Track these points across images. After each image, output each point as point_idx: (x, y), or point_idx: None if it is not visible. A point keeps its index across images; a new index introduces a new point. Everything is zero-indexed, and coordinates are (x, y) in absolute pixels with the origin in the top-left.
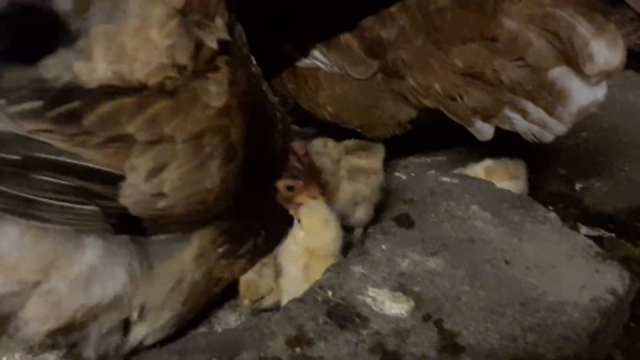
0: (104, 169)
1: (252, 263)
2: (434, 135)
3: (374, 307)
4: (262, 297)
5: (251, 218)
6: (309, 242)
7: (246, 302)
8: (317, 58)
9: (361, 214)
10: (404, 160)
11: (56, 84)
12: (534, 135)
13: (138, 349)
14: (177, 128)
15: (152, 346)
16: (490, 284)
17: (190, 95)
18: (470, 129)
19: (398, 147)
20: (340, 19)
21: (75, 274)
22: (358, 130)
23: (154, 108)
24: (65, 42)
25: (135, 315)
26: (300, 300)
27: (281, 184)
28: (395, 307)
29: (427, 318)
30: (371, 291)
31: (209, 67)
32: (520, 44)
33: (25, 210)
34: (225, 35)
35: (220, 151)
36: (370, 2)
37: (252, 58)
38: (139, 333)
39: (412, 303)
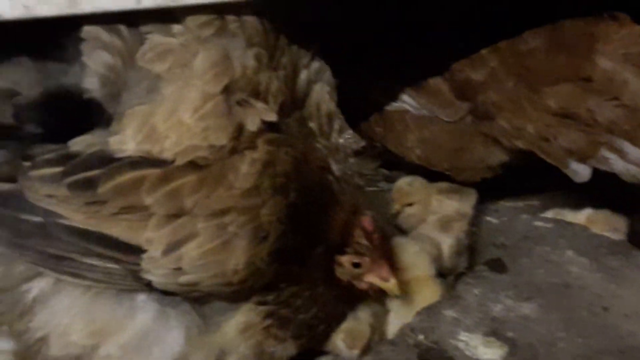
0: (122, 239)
1: (310, 342)
2: (527, 178)
3: (466, 352)
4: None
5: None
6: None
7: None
8: (405, 101)
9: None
10: (495, 204)
11: (83, 153)
12: (633, 175)
13: None
14: (198, 203)
15: None
16: (587, 331)
17: (218, 172)
18: (565, 171)
19: (489, 191)
20: (429, 62)
21: (128, 338)
22: (447, 173)
23: (178, 182)
24: (100, 126)
25: None
26: (391, 343)
27: (345, 260)
28: (488, 352)
29: None
30: (463, 335)
31: (247, 146)
32: (616, 83)
33: (56, 266)
34: (270, 116)
35: (246, 232)
36: (460, 45)
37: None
38: None
39: (506, 348)
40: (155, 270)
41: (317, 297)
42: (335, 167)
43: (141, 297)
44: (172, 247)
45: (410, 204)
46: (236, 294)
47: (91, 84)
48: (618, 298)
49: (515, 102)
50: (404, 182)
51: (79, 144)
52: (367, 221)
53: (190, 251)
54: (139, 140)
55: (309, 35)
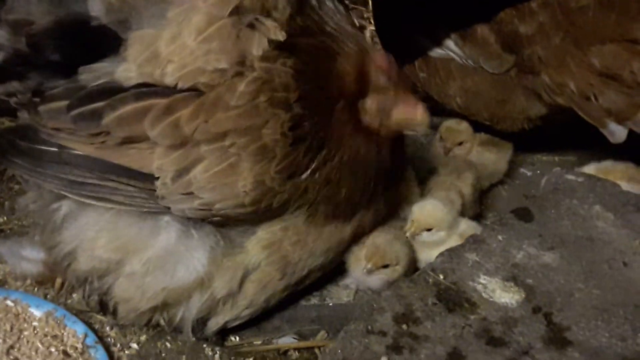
0: (134, 168)
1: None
2: (565, 134)
3: (483, 294)
4: (386, 266)
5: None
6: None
7: (369, 265)
8: (451, 49)
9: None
10: (531, 157)
11: (89, 85)
12: None
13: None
14: (198, 129)
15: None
16: (605, 284)
17: (215, 96)
18: (602, 130)
19: (526, 144)
20: (478, 12)
21: (151, 255)
22: (486, 122)
23: (179, 113)
24: (114, 52)
25: (218, 298)
26: (411, 280)
27: (369, 104)
28: (505, 296)
29: (537, 310)
30: (483, 279)
31: (250, 69)
32: None
33: (78, 191)
34: (278, 35)
35: (249, 153)
36: None
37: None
38: (222, 318)
39: (523, 294)
40: (170, 196)
41: (352, 159)
42: (330, 24)
43: (165, 218)
44: (181, 173)
45: (460, 143)
46: (254, 215)
47: (97, 11)
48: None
49: (560, 59)
50: (452, 122)
51: (88, 73)
52: (379, 58)
53: (199, 175)
54: (140, 63)
55: None
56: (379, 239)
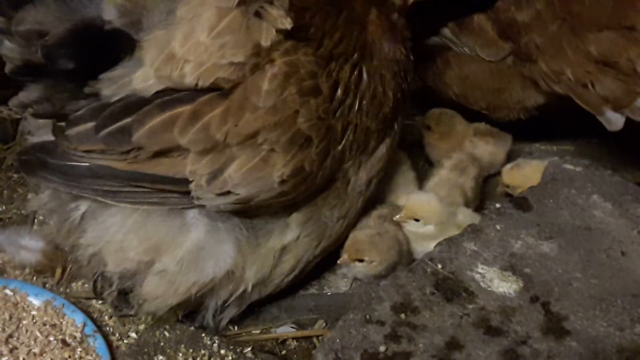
0: (168, 175)
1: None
2: (563, 123)
3: (482, 284)
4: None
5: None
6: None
7: (344, 256)
8: (448, 37)
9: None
10: (529, 146)
11: (111, 101)
12: None
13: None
14: (229, 133)
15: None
16: (603, 273)
17: (241, 97)
18: (599, 118)
19: (524, 133)
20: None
21: (183, 253)
22: (483, 111)
23: (206, 117)
24: (128, 54)
25: (249, 287)
26: (409, 270)
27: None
28: (503, 285)
29: (534, 299)
30: (481, 268)
31: (267, 61)
32: None
33: (113, 198)
34: (285, 24)
35: (282, 144)
36: None
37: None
38: (245, 303)
39: (521, 283)
40: (205, 195)
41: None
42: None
43: (191, 214)
44: (215, 175)
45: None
46: (292, 200)
47: (110, 15)
48: (638, 244)
49: (557, 46)
50: (436, 110)
51: (108, 86)
52: None
53: (233, 174)
54: (158, 67)
55: None
56: (362, 233)
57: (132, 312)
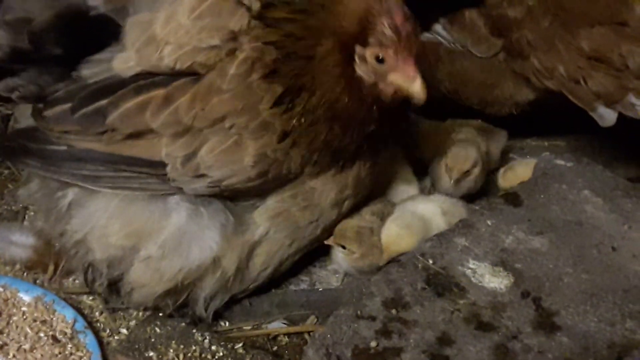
0: (145, 158)
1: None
2: (555, 119)
3: (472, 279)
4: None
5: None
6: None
7: (331, 238)
8: (439, 33)
9: None
10: (521, 142)
11: (89, 83)
12: None
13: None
14: (197, 117)
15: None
16: (594, 269)
17: (208, 82)
18: (592, 114)
19: (516, 129)
20: None
21: (165, 237)
22: (475, 107)
23: (178, 101)
24: (114, 40)
25: (231, 276)
26: (400, 265)
27: (367, 53)
28: (494, 280)
29: (525, 295)
30: (472, 263)
31: (240, 45)
32: None
33: (93, 183)
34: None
35: (250, 130)
36: None
37: None
38: (228, 294)
39: (512, 279)
40: (181, 178)
41: (338, 108)
42: None
43: (173, 200)
44: (189, 157)
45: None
46: (264, 186)
47: (95, 1)
48: (628, 239)
49: (549, 42)
50: (458, 149)
51: (88, 67)
52: (395, 9)
53: (205, 156)
54: (138, 48)
55: None
56: (354, 221)
57: (122, 305)
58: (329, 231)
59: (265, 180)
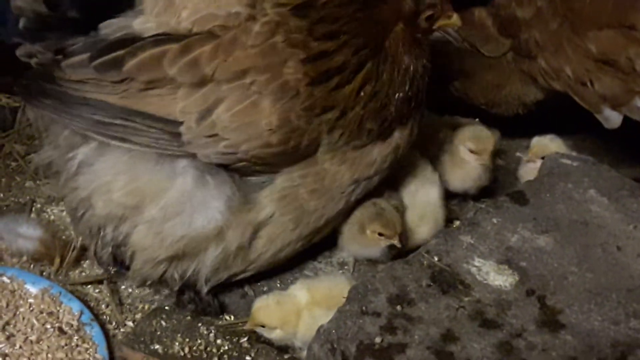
0: (159, 115)
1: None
2: (561, 119)
3: (478, 277)
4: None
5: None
6: None
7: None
8: (448, 32)
9: None
10: (528, 140)
11: (109, 37)
12: None
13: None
14: (218, 68)
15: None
16: (599, 268)
17: (232, 37)
18: (597, 116)
19: (522, 127)
20: None
21: (168, 200)
22: (482, 106)
23: (196, 51)
24: (130, 5)
25: (233, 251)
26: (406, 262)
27: (422, 17)
28: (499, 278)
29: (530, 293)
30: (477, 261)
31: (260, 11)
32: None
33: (103, 131)
34: None
35: (271, 90)
36: None
37: None
38: (227, 272)
39: (517, 277)
40: (196, 140)
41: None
42: None
43: (182, 164)
44: (204, 115)
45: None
46: (282, 157)
47: None
48: (633, 239)
49: (557, 44)
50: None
51: (109, 27)
52: None
53: (221, 115)
54: (157, 13)
55: None
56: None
57: (125, 270)
58: (332, 225)
59: (284, 150)
